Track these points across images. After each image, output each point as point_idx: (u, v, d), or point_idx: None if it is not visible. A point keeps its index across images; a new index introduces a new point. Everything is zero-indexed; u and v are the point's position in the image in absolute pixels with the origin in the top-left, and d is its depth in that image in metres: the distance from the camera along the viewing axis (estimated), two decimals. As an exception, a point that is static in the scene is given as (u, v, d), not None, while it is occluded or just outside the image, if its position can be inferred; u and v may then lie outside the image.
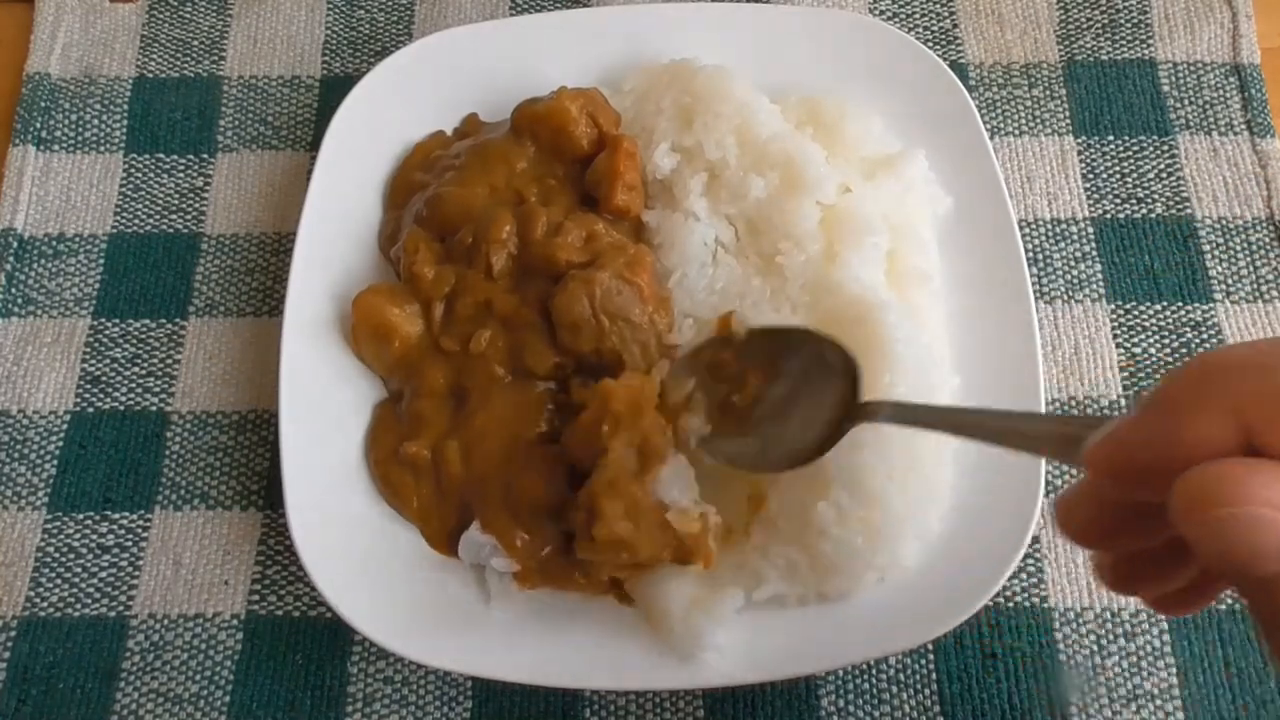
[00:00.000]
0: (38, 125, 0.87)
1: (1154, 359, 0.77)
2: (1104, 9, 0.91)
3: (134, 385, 0.78)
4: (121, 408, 0.77)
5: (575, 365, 0.69)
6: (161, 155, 0.86)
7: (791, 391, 0.64)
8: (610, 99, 0.78)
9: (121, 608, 0.71)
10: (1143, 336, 0.78)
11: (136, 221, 0.84)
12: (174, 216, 0.84)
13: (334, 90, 0.86)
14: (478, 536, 0.67)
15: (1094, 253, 0.81)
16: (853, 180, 0.73)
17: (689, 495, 0.63)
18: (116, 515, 0.73)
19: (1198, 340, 0.78)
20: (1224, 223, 0.82)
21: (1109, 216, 0.83)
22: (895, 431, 0.62)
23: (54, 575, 0.71)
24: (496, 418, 0.68)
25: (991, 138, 0.82)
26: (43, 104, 0.87)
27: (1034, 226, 0.82)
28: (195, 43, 0.91)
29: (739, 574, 0.65)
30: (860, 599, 0.65)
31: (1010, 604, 0.70)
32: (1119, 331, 0.78)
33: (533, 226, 0.71)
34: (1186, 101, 0.86)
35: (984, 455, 0.68)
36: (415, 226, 0.74)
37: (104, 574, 0.72)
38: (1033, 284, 0.75)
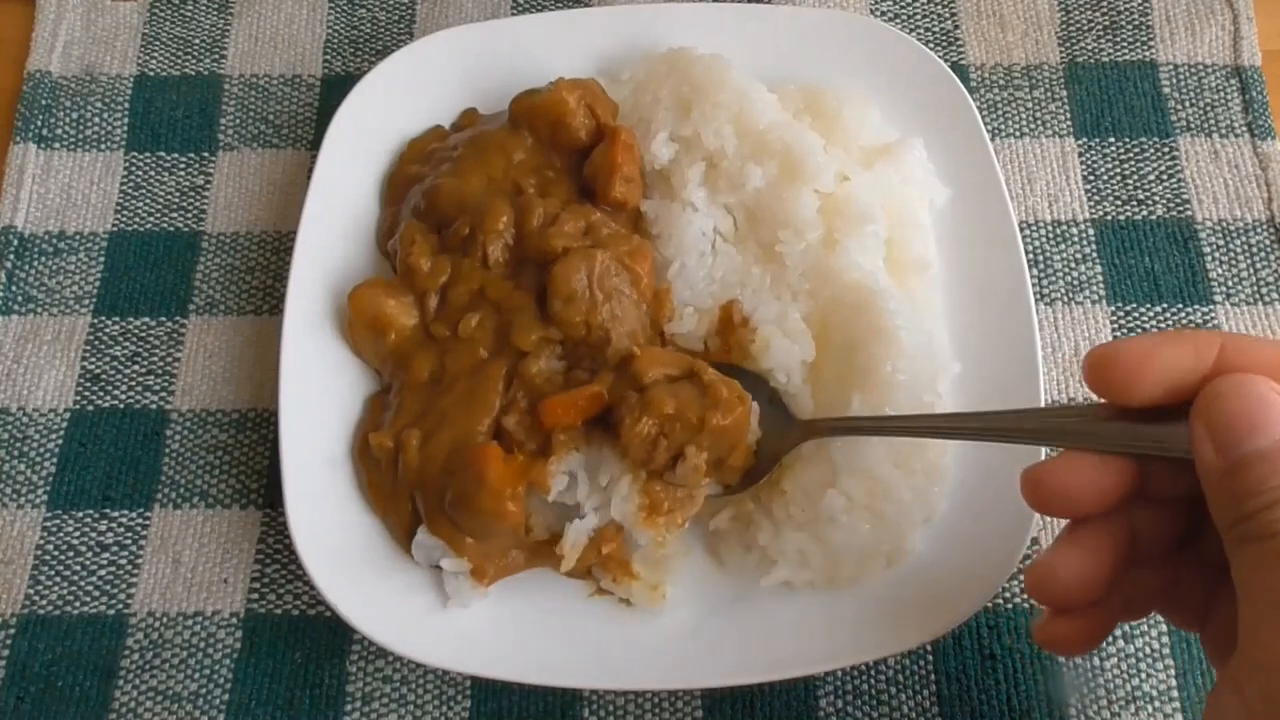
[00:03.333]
0: (39, 123, 0.87)
1: (1154, 361, 0.77)
2: (1105, 11, 0.91)
3: (134, 383, 0.78)
4: (121, 406, 0.77)
5: (561, 342, 0.68)
6: (162, 153, 0.86)
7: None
8: (608, 89, 0.78)
9: (120, 606, 0.71)
10: (1143, 338, 0.78)
11: (137, 219, 0.84)
12: (174, 215, 0.84)
13: (335, 89, 0.86)
14: (426, 540, 0.66)
15: (1094, 254, 0.81)
16: (851, 169, 0.73)
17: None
18: (116, 513, 0.73)
19: (1198, 342, 0.78)
20: (1224, 225, 0.82)
21: (1109, 218, 0.83)
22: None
23: (53, 573, 0.71)
24: (458, 399, 0.67)
25: (992, 139, 0.82)
26: (44, 102, 0.87)
27: (1035, 228, 0.82)
28: (196, 41, 0.91)
29: (747, 557, 0.66)
30: (858, 599, 0.65)
31: (1009, 605, 0.69)
32: (1119, 333, 0.78)
33: (529, 217, 0.71)
34: (1187, 103, 0.86)
35: (983, 456, 0.68)
36: (412, 219, 0.74)
37: (103, 572, 0.72)
38: (1033, 286, 0.75)
